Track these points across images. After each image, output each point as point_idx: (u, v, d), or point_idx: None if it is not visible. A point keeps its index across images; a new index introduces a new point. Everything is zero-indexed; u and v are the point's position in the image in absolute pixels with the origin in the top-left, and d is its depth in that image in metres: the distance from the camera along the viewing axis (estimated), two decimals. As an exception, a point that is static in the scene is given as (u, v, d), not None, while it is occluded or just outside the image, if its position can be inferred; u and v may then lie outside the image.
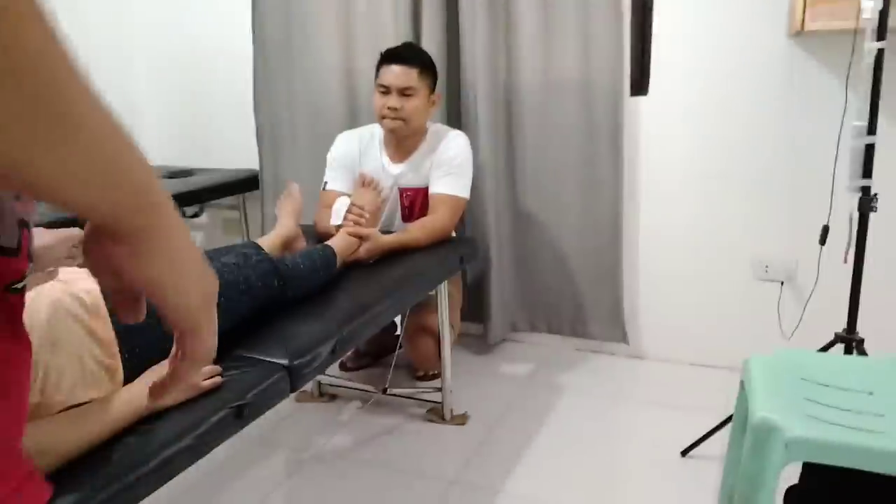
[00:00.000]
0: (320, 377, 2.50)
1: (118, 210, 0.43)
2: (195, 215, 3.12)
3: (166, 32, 3.24)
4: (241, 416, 1.32)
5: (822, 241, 1.90)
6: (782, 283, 2.43)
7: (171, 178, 3.04)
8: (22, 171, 0.37)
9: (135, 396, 1.19)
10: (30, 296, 1.11)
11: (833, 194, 1.90)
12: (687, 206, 2.52)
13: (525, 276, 2.79)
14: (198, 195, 2.91)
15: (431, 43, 2.55)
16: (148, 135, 3.38)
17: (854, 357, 1.78)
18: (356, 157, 2.36)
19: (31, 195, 0.45)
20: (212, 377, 1.31)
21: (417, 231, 2.19)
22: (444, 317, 2.23)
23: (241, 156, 3.13)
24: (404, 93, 2.19)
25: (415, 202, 2.37)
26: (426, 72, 2.23)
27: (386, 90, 2.20)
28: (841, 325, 1.86)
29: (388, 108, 2.19)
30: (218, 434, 1.28)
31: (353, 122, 2.79)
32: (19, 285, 0.47)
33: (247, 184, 3.09)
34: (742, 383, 1.61)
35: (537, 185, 2.65)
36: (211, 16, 3.10)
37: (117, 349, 1.23)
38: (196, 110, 3.28)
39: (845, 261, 1.78)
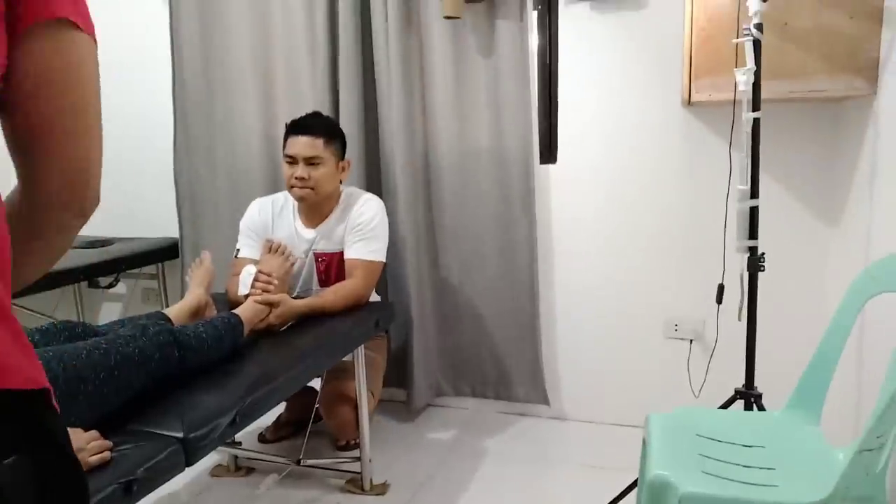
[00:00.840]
0: (236, 450, 2.43)
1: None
2: (110, 285, 3.04)
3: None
4: (130, 492, 1.27)
5: (719, 300, 1.98)
6: (691, 342, 2.52)
7: (89, 247, 2.98)
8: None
9: None
10: None
11: (725, 254, 2.00)
12: (599, 267, 2.60)
13: (448, 341, 2.80)
14: (116, 264, 2.86)
15: (349, 112, 2.62)
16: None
17: (747, 412, 1.84)
18: (269, 224, 2.37)
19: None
20: (100, 453, 1.27)
21: (330, 295, 2.19)
22: (362, 383, 2.22)
23: (161, 224, 3.10)
24: (311, 162, 2.22)
25: (330, 266, 2.38)
26: (333, 140, 2.27)
27: (293, 160, 2.24)
28: (742, 381, 1.93)
29: (296, 177, 2.22)
30: (104, 512, 1.23)
31: (274, 188, 2.81)
32: None
33: (166, 252, 3.05)
34: (644, 441, 1.64)
35: (457, 249, 2.70)
36: (130, 83, 3.11)
37: None
38: (116, 179, 3.23)
39: (739, 319, 1.86)
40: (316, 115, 2.34)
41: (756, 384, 1.90)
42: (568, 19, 2.47)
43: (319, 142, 2.22)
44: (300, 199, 2.29)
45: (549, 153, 2.56)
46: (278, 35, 2.73)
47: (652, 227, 2.51)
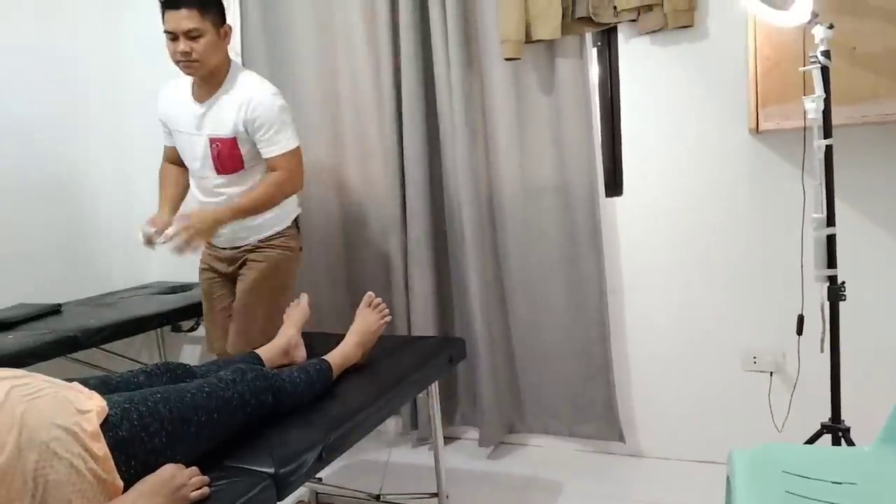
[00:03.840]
0: (318, 486, 2.48)
1: None
2: (192, 328, 3.18)
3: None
4: (226, 526, 1.33)
5: (799, 332, 1.94)
6: (771, 374, 2.45)
7: (170, 293, 3.13)
8: None
9: None
10: (32, 418, 1.17)
11: (803, 284, 1.96)
12: (671, 300, 2.57)
13: (519, 378, 2.80)
14: (196, 308, 2.97)
15: (414, 155, 2.70)
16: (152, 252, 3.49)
17: (836, 448, 1.78)
18: (167, 105, 2.38)
19: None
20: (200, 489, 1.34)
21: (252, 193, 2.26)
22: (437, 422, 2.24)
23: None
24: (190, 35, 2.15)
25: (223, 152, 2.30)
26: (208, 9, 2.19)
27: (173, 36, 2.17)
28: (828, 414, 1.87)
29: (180, 53, 2.17)
30: (204, 544, 1.29)
31: (344, 232, 2.95)
32: None
33: (244, 295, 3.16)
34: (728, 479, 1.61)
35: (525, 285, 2.71)
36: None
37: (113, 465, 1.27)
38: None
39: (822, 350, 1.81)
40: None
41: (843, 418, 1.85)
42: (628, 54, 2.50)
43: (195, 13, 2.15)
44: (190, 75, 2.26)
45: (614, 186, 2.60)
46: (345, 83, 2.86)
47: (724, 258, 2.48)
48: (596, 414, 2.67)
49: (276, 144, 2.26)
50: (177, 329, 3.26)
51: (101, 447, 1.26)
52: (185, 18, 2.14)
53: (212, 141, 2.29)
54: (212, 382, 1.53)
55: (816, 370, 2.16)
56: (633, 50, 2.50)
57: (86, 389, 1.37)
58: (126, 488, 1.28)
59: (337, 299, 2.98)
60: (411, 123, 2.70)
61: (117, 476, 1.27)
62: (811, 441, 1.84)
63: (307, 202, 2.98)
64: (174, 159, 2.46)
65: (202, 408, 1.46)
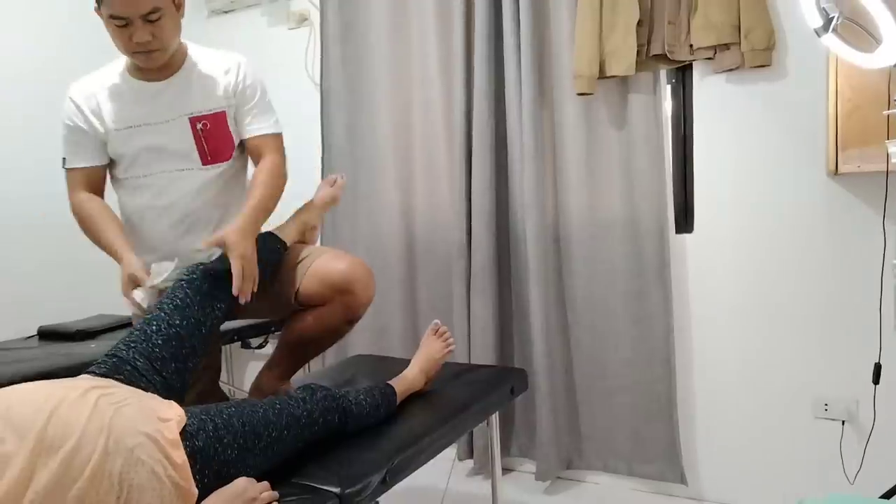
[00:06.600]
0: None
1: None
2: (260, 346, 3.28)
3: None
4: (294, 542, 1.37)
5: (876, 380, 1.87)
6: (843, 423, 2.36)
7: (241, 310, 3.24)
8: None
9: None
10: (118, 424, 1.24)
11: (881, 332, 1.90)
12: (740, 341, 2.52)
13: (578, 412, 2.77)
14: (266, 327, 3.07)
15: (481, 184, 2.74)
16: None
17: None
18: (102, 101, 1.80)
19: None
20: (270, 503, 1.38)
21: (260, 188, 1.82)
22: (496, 452, 2.24)
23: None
24: (149, 18, 1.65)
25: (213, 133, 1.84)
26: None
27: (125, 21, 1.64)
28: (906, 468, 1.80)
29: (137, 43, 1.67)
30: (273, 560, 1.34)
31: (410, 257, 3.00)
32: None
33: (311, 316, 3.25)
34: (798, 527, 1.56)
35: (588, 319, 2.70)
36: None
37: (190, 473, 1.32)
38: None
39: (901, 400, 1.75)
40: None
41: (923, 473, 1.77)
42: (703, 91, 2.49)
43: None
44: (149, 66, 1.78)
45: (685, 222, 2.57)
46: (418, 112, 2.93)
47: (797, 300, 2.42)
48: (658, 454, 2.62)
49: (267, 121, 1.90)
50: (246, 346, 3.37)
51: (179, 455, 1.31)
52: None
53: (195, 121, 1.82)
54: (283, 400, 1.59)
55: (893, 421, 2.08)
56: (708, 88, 2.49)
57: (164, 400, 1.44)
58: (199, 497, 1.33)
59: (401, 323, 3.03)
60: (480, 153, 2.75)
61: (193, 484, 1.33)
62: (888, 496, 1.77)
63: (376, 228, 3.06)
64: (96, 186, 1.86)
65: (272, 424, 1.51)
